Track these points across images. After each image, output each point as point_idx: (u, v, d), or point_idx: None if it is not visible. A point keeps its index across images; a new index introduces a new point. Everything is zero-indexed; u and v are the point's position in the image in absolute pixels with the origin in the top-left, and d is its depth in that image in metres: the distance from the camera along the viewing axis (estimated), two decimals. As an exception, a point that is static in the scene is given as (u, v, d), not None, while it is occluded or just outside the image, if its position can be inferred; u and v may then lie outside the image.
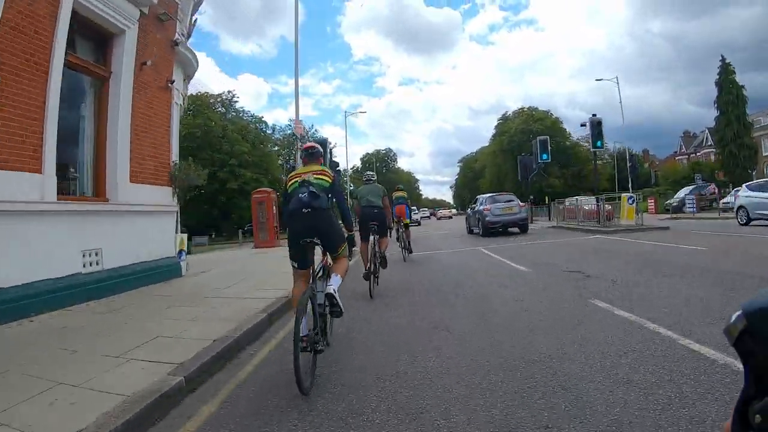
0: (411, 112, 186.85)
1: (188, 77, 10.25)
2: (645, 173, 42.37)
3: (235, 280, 7.39)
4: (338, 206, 3.60)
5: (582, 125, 15.38)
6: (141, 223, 7.14)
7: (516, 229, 15.74)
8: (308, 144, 3.85)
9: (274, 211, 16.92)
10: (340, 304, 3.10)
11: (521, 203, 16.75)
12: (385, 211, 6.52)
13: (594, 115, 14.36)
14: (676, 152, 62.41)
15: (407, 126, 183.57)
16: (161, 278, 7.38)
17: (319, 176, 3.38)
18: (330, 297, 3.07)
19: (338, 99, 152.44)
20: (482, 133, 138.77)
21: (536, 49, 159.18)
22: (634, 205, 13.15)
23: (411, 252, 9.88)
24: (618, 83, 29.49)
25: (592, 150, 15.33)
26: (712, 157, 48.95)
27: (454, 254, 10.70)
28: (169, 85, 8.21)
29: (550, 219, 22.17)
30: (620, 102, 29.42)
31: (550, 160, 20.11)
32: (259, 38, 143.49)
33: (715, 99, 40.40)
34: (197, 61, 10.17)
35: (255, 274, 8.08)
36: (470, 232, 17.75)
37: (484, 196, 17.53)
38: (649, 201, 26.92)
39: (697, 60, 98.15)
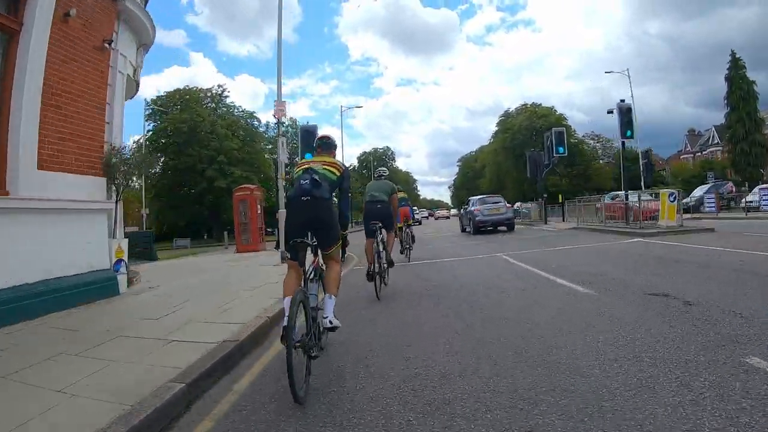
0: (408, 113, 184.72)
1: (143, 46, 8.41)
2: (656, 172, 40.93)
3: (186, 299, 5.55)
4: (338, 202, 3.44)
5: (609, 112, 13.66)
6: (55, 224, 5.28)
7: (504, 228, 16.93)
8: (323, 134, 3.71)
9: (259, 211, 15.11)
10: (337, 324, 3.04)
11: (507, 204, 18.17)
12: (391, 206, 6.23)
13: (622, 101, 12.63)
14: (680, 151, 61.32)
15: (404, 127, 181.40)
16: (88, 298, 5.52)
17: (328, 167, 3.22)
18: (330, 329, 3.04)
19: (336, 99, 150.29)
20: (480, 133, 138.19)
21: (533, 50, 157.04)
22: (676, 203, 11.35)
23: (414, 241, 9.90)
24: (629, 75, 27.75)
25: (621, 140, 13.52)
26: (719, 156, 47.55)
27: (467, 262, 8.85)
28: (107, 46, 6.36)
29: (564, 219, 20.46)
30: (632, 97, 27.71)
31: (566, 154, 18.41)
32: (257, 39, 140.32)
33: (724, 95, 39.12)
34: (154, 29, 8.38)
35: (216, 292, 6.23)
36: (463, 230, 19.01)
37: (474, 198, 18.94)
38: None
39: (694, 60, 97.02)
